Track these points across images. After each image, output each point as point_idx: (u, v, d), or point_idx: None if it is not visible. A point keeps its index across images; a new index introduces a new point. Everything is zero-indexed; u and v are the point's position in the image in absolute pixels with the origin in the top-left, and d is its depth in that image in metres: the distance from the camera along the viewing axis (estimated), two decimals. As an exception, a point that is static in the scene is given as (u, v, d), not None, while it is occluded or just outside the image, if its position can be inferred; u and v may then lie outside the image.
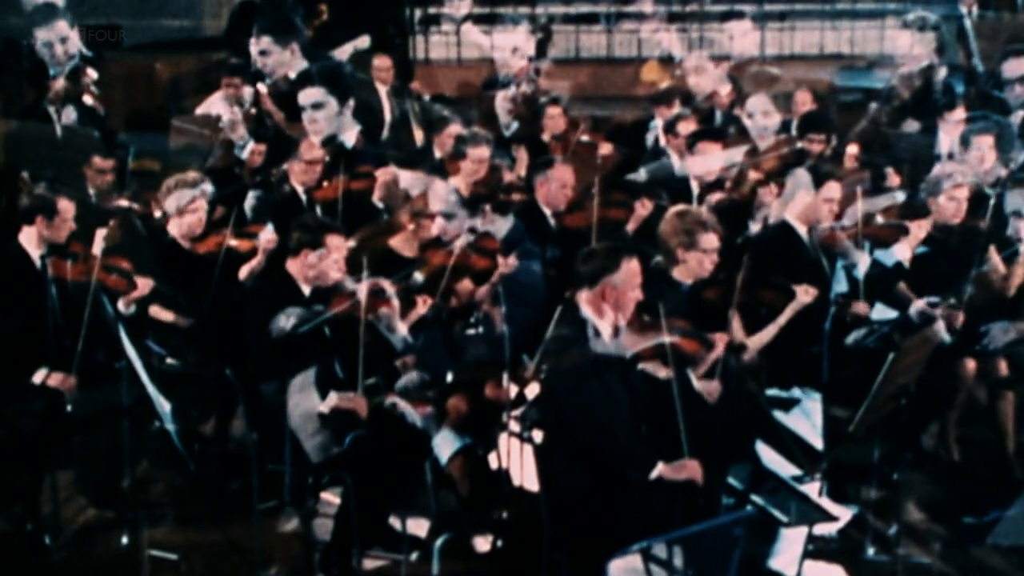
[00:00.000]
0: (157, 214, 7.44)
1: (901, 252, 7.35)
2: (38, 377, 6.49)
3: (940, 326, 6.72)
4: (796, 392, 6.78)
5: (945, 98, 9.42)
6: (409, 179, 7.82)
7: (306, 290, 6.48)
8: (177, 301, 7.03)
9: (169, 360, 6.74)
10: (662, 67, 10.59)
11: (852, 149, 8.82)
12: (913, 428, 6.82)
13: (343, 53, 10.15)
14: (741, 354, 6.48)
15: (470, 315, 7.14)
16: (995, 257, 7.16)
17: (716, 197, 7.94)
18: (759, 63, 10.30)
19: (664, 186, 8.15)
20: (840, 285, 7.24)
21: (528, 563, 5.67)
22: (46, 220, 6.71)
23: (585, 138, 9.08)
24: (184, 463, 6.13)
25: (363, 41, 10.34)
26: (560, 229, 7.75)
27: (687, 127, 8.82)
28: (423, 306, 6.57)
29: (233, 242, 7.19)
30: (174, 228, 7.25)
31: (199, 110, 9.08)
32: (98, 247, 6.88)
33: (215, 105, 9.07)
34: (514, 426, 6.44)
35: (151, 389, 5.89)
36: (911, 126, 9.41)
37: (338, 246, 6.49)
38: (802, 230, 7.23)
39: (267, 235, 7.19)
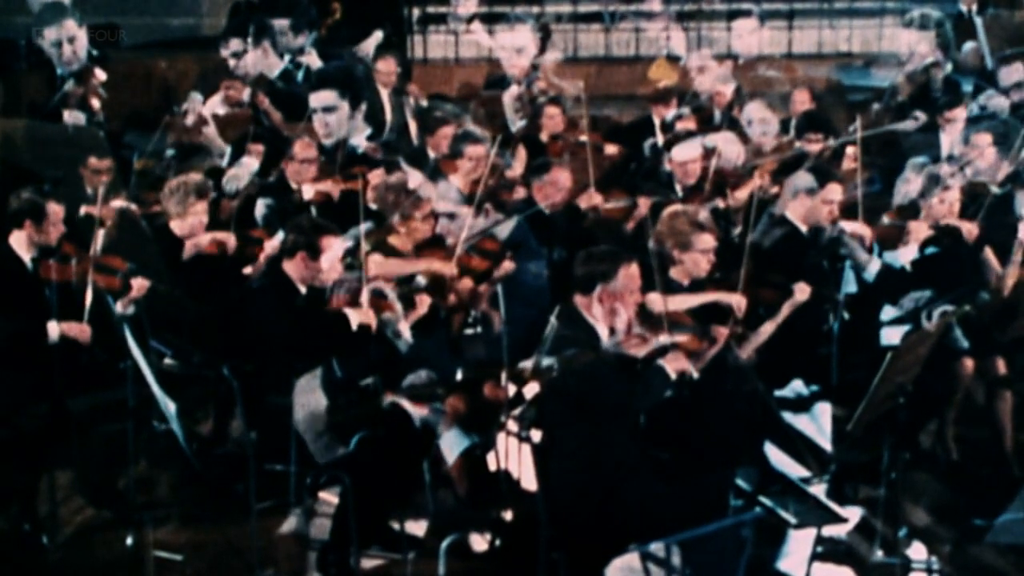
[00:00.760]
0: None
1: (909, 253, 7.35)
2: (53, 332, 6.47)
3: (959, 335, 6.73)
4: (804, 391, 6.79)
5: (948, 96, 9.41)
6: (419, 179, 7.83)
7: (302, 290, 6.50)
8: (180, 300, 7.04)
9: (167, 360, 6.74)
10: (670, 65, 10.59)
11: (850, 150, 8.81)
12: (911, 427, 6.82)
13: (367, 48, 10.16)
14: (740, 345, 6.48)
15: (469, 315, 7.16)
16: (991, 257, 7.17)
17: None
18: (767, 62, 10.30)
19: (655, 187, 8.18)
20: (849, 286, 7.24)
21: (526, 563, 5.67)
22: (35, 224, 6.70)
23: (583, 138, 9.08)
24: (187, 463, 6.16)
25: (378, 37, 10.37)
26: (567, 229, 7.76)
27: (684, 127, 8.83)
28: (423, 307, 6.57)
29: (233, 243, 7.21)
30: (176, 229, 7.26)
31: (204, 110, 9.09)
32: (96, 247, 6.89)
33: (214, 107, 9.08)
34: (512, 426, 6.44)
35: (156, 389, 5.90)
36: (913, 124, 9.39)
37: (334, 247, 6.49)
38: (803, 229, 7.24)
39: (272, 242, 7.20)
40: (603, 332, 5.74)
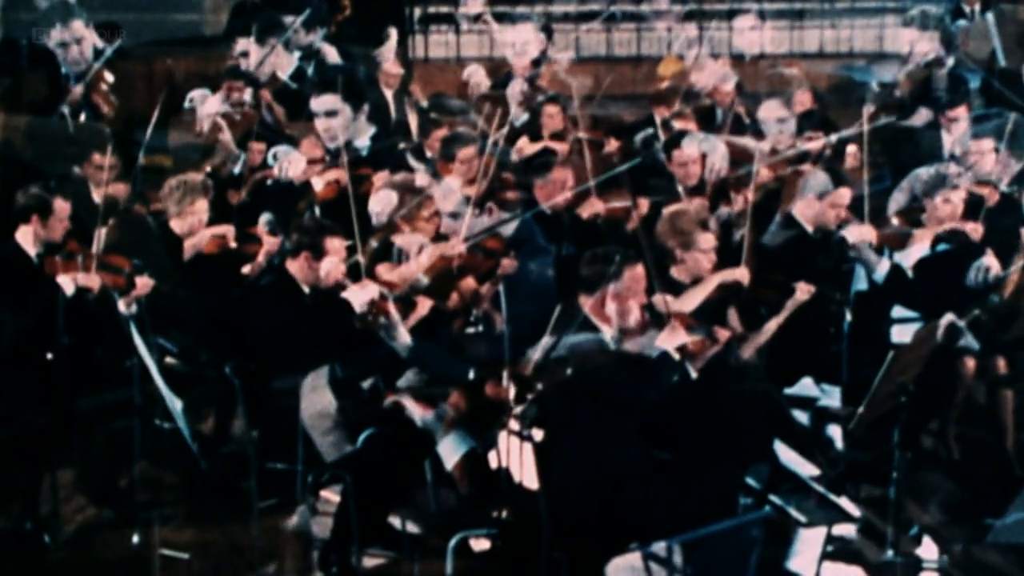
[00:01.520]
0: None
1: (919, 253, 7.34)
2: (68, 287, 6.47)
3: (970, 339, 6.72)
4: (814, 391, 6.79)
5: (950, 94, 9.39)
6: (427, 177, 7.83)
7: (306, 290, 6.50)
8: (183, 300, 7.04)
9: (169, 359, 6.74)
10: (679, 62, 10.59)
11: (852, 148, 8.81)
12: (913, 426, 6.82)
13: (388, 53, 10.15)
14: (742, 346, 6.48)
15: (470, 314, 7.15)
16: (991, 258, 7.16)
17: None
18: (770, 61, 10.30)
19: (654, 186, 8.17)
20: (860, 284, 7.23)
21: (528, 562, 5.67)
22: (41, 219, 6.72)
23: (583, 135, 9.08)
24: (191, 462, 6.17)
25: (394, 38, 10.39)
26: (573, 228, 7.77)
27: (684, 126, 8.83)
28: (423, 308, 6.57)
29: (234, 244, 7.21)
30: (176, 228, 7.27)
31: (200, 110, 9.08)
32: (98, 245, 6.89)
33: (214, 106, 9.08)
34: (514, 425, 6.44)
35: (163, 387, 5.90)
36: (918, 121, 9.34)
37: (337, 248, 6.50)
38: (808, 229, 7.24)
39: (273, 239, 7.20)
40: (607, 334, 5.75)
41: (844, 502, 6.20)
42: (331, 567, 6.09)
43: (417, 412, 6.20)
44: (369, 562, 6.18)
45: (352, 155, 8.15)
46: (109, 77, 8.87)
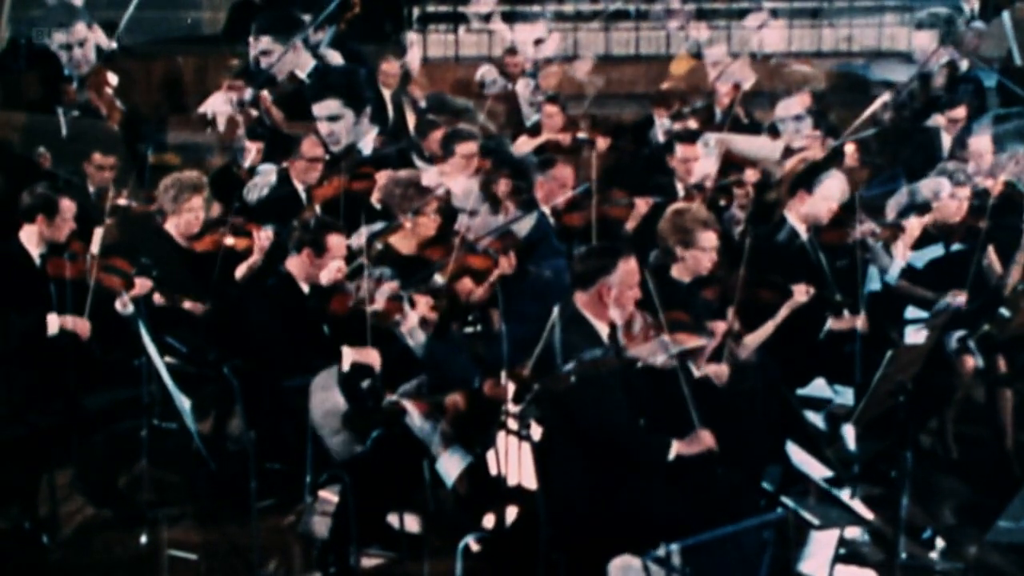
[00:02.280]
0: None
1: (933, 254, 7.33)
2: (53, 326, 6.47)
3: (979, 359, 6.73)
4: (828, 392, 6.78)
5: (970, 95, 9.37)
6: (434, 175, 7.83)
7: (305, 289, 6.50)
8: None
9: (168, 359, 6.74)
10: (691, 60, 10.59)
11: (851, 148, 8.81)
12: (912, 426, 6.81)
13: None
14: (738, 343, 6.48)
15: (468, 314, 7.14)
16: (993, 257, 7.16)
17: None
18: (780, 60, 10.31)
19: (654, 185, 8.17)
20: (874, 284, 7.22)
21: (526, 563, 5.66)
22: (47, 219, 6.72)
23: (582, 135, 9.09)
24: (192, 461, 6.15)
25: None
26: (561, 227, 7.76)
27: (683, 126, 8.83)
28: (422, 308, 6.56)
29: (230, 240, 7.20)
30: (171, 226, 7.26)
31: (201, 109, 9.09)
32: (95, 245, 6.89)
33: (215, 104, 9.07)
34: (512, 424, 6.43)
35: (171, 387, 5.89)
36: (933, 123, 9.30)
37: (339, 246, 6.50)
38: (801, 229, 7.23)
39: (265, 233, 7.20)
40: (603, 331, 5.74)
41: (857, 504, 6.18)
42: (330, 567, 6.08)
43: (416, 415, 6.19)
44: (368, 562, 6.17)
45: (355, 158, 8.17)
46: (113, 79, 8.86)
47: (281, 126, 8.88)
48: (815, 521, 5.75)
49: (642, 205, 7.77)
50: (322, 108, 8.35)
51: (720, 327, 6.06)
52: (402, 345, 6.50)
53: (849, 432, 6.60)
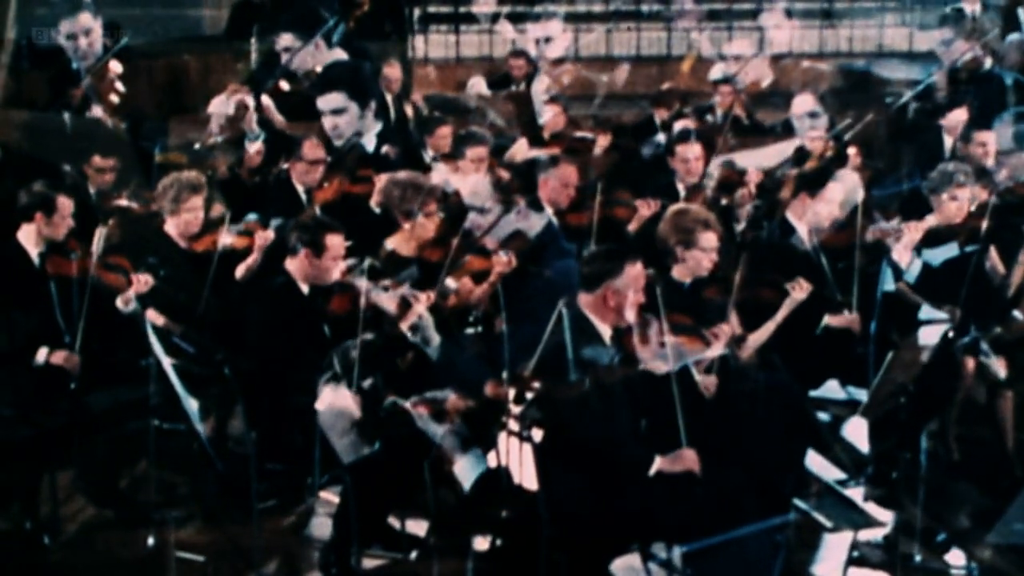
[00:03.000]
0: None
1: (948, 254, 7.32)
2: (40, 356, 6.48)
3: (992, 360, 6.71)
4: (841, 394, 6.77)
5: (993, 93, 9.35)
6: (444, 174, 7.83)
7: (305, 289, 6.50)
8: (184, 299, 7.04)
9: (167, 359, 6.74)
10: (701, 60, 10.61)
11: (853, 148, 8.80)
12: (912, 426, 6.81)
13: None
14: (741, 345, 6.47)
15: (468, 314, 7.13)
16: (995, 257, 7.15)
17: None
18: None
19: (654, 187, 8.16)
20: (888, 285, 7.20)
21: (528, 563, 5.66)
22: (45, 217, 6.72)
23: (580, 134, 9.09)
24: (195, 462, 6.15)
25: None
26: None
27: (683, 126, 8.83)
28: (419, 308, 6.56)
29: (229, 240, 7.19)
30: (171, 227, 7.26)
31: (209, 109, 9.09)
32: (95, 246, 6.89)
33: (220, 105, 9.07)
34: (513, 425, 6.43)
35: (179, 388, 5.89)
36: (952, 121, 9.25)
37: (337, 245, 6.50)
38: (802, 230, 7.23)
39: (264, 233, 7.19)
40: (606, 333, 5.75)
41: (870, 507, 6.17)
42: (330, 567, 6.08)
43: (433, 428, 6.19)
44: (369, 562, 6.17)
45: (358, 154, 8.16)
46: (117, 68, 8.86)
47: (284, 128, 8.88)
48: (827, 524, 5.74)
49: (645, 207, 7.76)
50: (327, 101, 8.36)
51: (722, 332, 6.05)
52: (411, 347, 6.50)
53: (860, 433, 6.59)
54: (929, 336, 6.59)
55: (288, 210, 7.60)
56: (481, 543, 6.30)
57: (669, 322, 5.71)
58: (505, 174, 8.18)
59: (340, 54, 9.71)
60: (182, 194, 7.21)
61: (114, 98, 8.77)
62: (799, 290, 6.71)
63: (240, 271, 7.17)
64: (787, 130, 9.21)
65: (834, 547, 5.97)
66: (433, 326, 6.41)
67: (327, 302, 6.44)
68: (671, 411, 5.56)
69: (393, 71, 9.99)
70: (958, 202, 7.45)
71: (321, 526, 6.31)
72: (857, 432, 6.71)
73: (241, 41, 10.07)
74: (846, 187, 7.38)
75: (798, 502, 5.86)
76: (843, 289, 7.10)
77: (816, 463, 6.18)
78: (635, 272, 5.75)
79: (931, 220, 7.40)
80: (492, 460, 6.53)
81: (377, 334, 6.31)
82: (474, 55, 12.02)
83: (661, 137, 9.28)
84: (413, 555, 6.24)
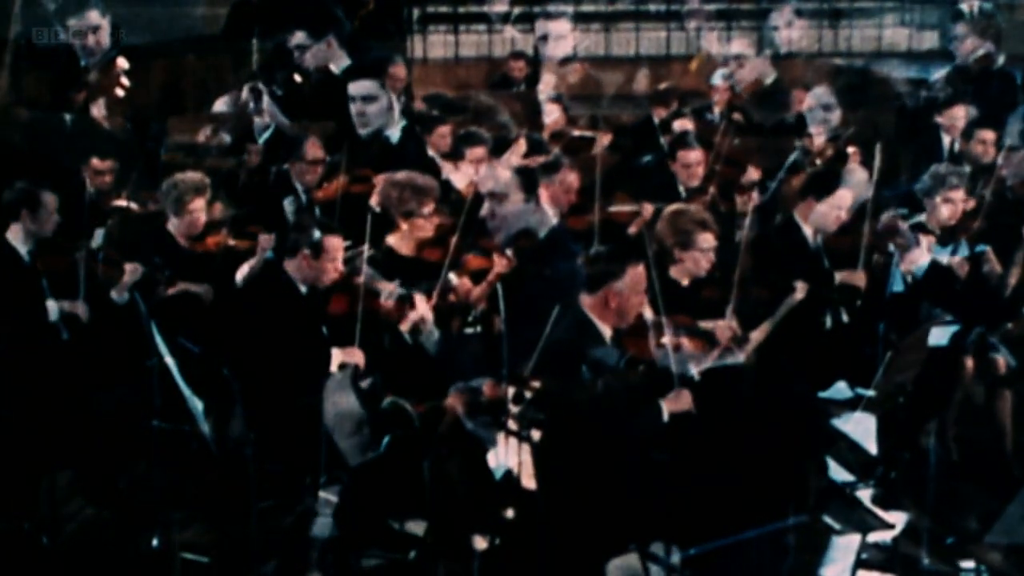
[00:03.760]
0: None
1: (962, 250, 7.31)
2: (52, 312, 6.47)
3: (1004, 352, 6.71)
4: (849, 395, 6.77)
5: (1004, 91, 9.34)
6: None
7: (303, 290, 6.51)
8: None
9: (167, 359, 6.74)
10: (710, 59, 10.61)
11: (852, 148, 8.80)
12: (911, 427, 6.82)
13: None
14: (741, 346, 6.48)
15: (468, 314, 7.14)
16: (992, 257, 7.15)
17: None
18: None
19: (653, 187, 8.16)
20: (896, 285, 7.21)
21: (526, 563, 5.67)
22: (30, 213, 6.74)
23: (578, 133, 9.08)
24: (195, 463, 6.16)
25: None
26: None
27: (682, 126, 8.83)
28: (421, 307, 6.57)
29: (232, 242, 7.21)
30: (173, 228, 7.28)
31: (215, 108, 9.11)
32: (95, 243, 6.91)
33: (224, 105, 9.10)
34: (512, 425, 6.43)
35: (184, 388, 5.90)
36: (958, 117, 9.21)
37: (336, 247, 6.51)
38: (808, 231, 7.23)
39: (267, 236, 7.21)
40: (607, 333, 5.76)
41: (879, 509, 6.17)
42: (330, 567, 6.09)
43: (414, 412, 6.19)
44: (368, 563, 6.17)
45: (382, 144, 8.19)
46: (124, 63, 8.87)
47: (285, 128, 8.89)
48: (836, 526, 5.74)
49: (646, 209, 7.77)
50: (359, 87, 8.44)
51: (725, 335, 6.06)
52: (407, 346, 6.51)
53: (869, 435, 6.58)
54: (939, 337, 6.62)
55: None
56: (480, 543, 6.31)
57: (669, 323, 5.74)
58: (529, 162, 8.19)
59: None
60: (185, 195, 7.23)
61: (120, 93, 8.79)
62: (798, 291, 6.72)
63: (241, 273, 7.18)
64: (788, 130, 9.22)
65: (843, 550, 5.97)
66: (431, 321, 6.41)
67: (326, 303, 6.46)
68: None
69: (399, 70, 10.01)
70: (951, 205, 7.44)
71: (321, 526, 6.31)
72: (865, 433, 6.69)
73: (241, 41, 10.07)
74: (855, 190, 7.37)
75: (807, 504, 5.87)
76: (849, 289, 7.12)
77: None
78: (637, 275, 5.77)
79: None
80: (492, 461, 6.57)
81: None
82: (473, 55, 12.02)
83: (663, 140, 9.28)
84: (413, 555, 6.24)
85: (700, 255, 6.59)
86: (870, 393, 6.45)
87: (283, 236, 6.73)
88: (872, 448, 6.40)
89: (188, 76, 10.33)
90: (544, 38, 10.18)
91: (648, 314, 5.92)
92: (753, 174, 8.36)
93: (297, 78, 9.08)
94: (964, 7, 10.87)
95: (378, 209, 7.48)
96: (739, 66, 9.75)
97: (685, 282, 6.62)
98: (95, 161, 7.96)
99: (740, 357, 6.48)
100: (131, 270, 6.78)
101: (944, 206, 7.44)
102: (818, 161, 8.53)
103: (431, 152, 8.65)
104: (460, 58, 12.28)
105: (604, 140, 9.20)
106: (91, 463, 6.71)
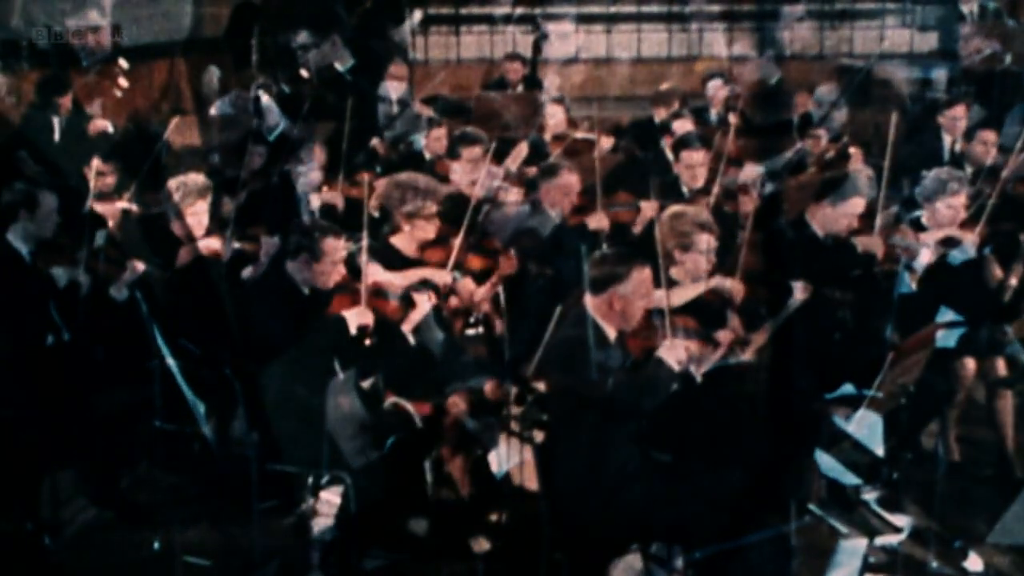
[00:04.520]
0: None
1: (965, 255, 7.32)
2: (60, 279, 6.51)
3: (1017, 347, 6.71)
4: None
5: (951, 94, 9.35)
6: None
7: (305, 291, 6.52)
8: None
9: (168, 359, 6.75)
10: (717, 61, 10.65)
11: (854, 150, 8.81)
12: (913, 428, 6.82)
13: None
14: (742, 348, 6.49)
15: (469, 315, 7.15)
16: (992, 261, 7.16)
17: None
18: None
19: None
20: (905, 287, 7.21)
21: (528, 563, 5.67)
22: (29, 214, 6.75)
23: (580, 135, 9.10)
24: (195, 464, 6.16)
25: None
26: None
27: (682, 127, 8.84)
28: (423, 307, 6.57)
29: (237, 245, 7.22)
30: (176, 229, 7.28)
31: (212, 111, 9.13)
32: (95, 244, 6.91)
33: (222, 108, 9.10)
34: (514, 426, 6.43)
35: (186, 390, 5.91)
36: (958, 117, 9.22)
37: (336, 249, 6.51)
38: (818, 232, 7.23)
39: (270, 240, 7.22)
40: (611, 334, 5.77)
41: (886, 512, 6.18)
42: (330, 567, 6.09)
43: (414, 412, 6.20)
44: (370, 563, 6.18)
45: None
46: (124, 63, 8.89)
47: (286, 129, 8.91)
48: (843, 529, 5.74)
49: (648, 209, 7.78)
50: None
51: (726, 336, 6.06)
52: (409, 346, 6.52)
53: (875, 436, 6.58)
54: (946, 339, 6.61)
55: (288, 213, 7.63)
56: (481, 544, 6.32)
57: (673, 326, 5.74)
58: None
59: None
60: (188, 197, 7.24)
61: (118, 94, 8.82)
62: (802, 292, 6.72)
63: (246, 275, 7.20)
64: (790, 130, 9.24)
65: (849, 554, 5.96)
66: (435, 325, 6.43)
67: (327, 305, 6.46)
68: (680, 417, 5.59)
69: (398, 69, 10.02)
70: (952, 210, 7.44)
71: (322, 527, 6.31)
72: (871, 434, 6.69)
73: (243, 41, 10.10)
74: (866, 194, 7.37)
75: (812, 507, 5.87)
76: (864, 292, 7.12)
77: (829, 466, 6.17)
78: (642, 277, 5.77)
79: (948, 230, 7.39)
80: (494, 461, 6.58)
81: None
82: (474, 56, 12.03)
83: (666, 142, 9.30)
84: (413, 555, 6.25)
85: (700, 256, 6.59)
86: (873, 394, 6.47)
87: (285, 238, 6.73)
88: (878, 449, 6.41)
89: (189, 76, 10.35)
90: (546, 39, 10.21)
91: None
92: (753, 173, 8.37)
93: (304, 73, 9.09)
94: (965, 8, 10.91)
95: (376, 213, 7.49)
96: (740, 67, 9.78)
97: (685, 284, 6.62)
98: (97, 162, 7.97)
99: (742, 359, 6.49)
100: (133, 268, 6.79)
101: (945, 211, 7.44)
102: (825, 158, 8.54)
103: (427, 155, 8.68)
104: (461, 59, 12.30)
105: (605, 144, 9.21)
106: (93, 463, 6.70)
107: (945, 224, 7.41)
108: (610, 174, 8.44)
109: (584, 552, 5.50)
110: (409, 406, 6.26)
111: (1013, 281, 7.08)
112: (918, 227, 7.48)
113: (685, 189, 8.18)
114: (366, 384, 6.43)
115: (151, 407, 6.22)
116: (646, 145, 9.51)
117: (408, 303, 6.55)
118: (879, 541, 6.02)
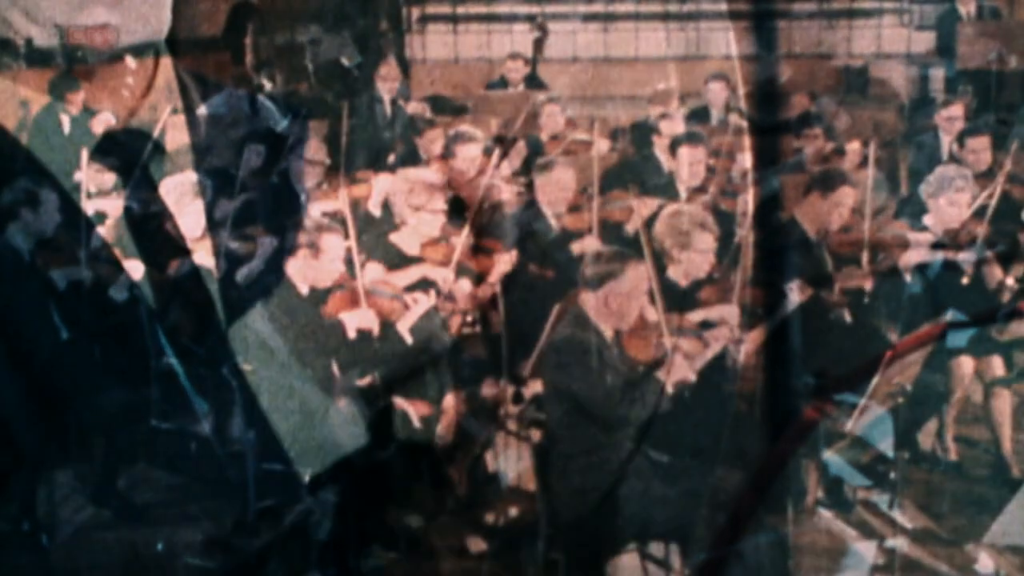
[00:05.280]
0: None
1: (970, 256, 7.32)
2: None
3: None
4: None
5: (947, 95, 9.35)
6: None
7: (304, 290, 6.52)
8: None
9: (167, 359, 6.76)
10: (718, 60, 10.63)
11: (854, 145, 8.80)
12: (910, 427, 6.83)
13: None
14: (739, 346, 6.49)
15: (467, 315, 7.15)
16: (993, 261, 7.16)
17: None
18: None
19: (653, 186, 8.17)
20: (913, 287, 7.21)
21: (525, 563, 5.68)
22: (31, 212, 6.75)
23: (578, 136, 9.09)
24: (193, 464, 6.17)
25: None
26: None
27: (670, 128, 8.85)
28: (423, 306, 6.58)
29: (234, 245, 7.21)
30: (173, 228, 7.28)
31: (211, 107, 9.10)
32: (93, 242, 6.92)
33: (219, 107, 9.08)
34: (512, 425, 6.45)
35: (189, 390, 5.91)
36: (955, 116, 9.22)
37: (335, 247, 6.51)
38: (810, 230, 7.23)
39: (269, 239, 7.22)
40: (608, 333, 5.77)
41: (895, 513, 6.19)
42: (330, 567, 6.09)
43: (414, 412, 6.21)
44: (367, 563, 6.18)
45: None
46: (132, 63, 8.88)
47: (283, 128, 8.89)
48: (849, 530, 5.74)
49: (643, 207, 7.78)
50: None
51: (722, 336, 6.07)
52: (406, 346, 6.52)
53: (885, 437, 6.59)
54: (957, 339, 6.62)
55: (288, 212, 7.62)
56: (478, 543, 6.32)
57: (668, 326, 5.75)
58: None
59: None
60: (185, 197, 7.24)
61: (125, 93, 8.81)
62: (800, 293, 6.73)
63: (241, 274, 7.19)
64: (788, 130, 9.22)
65: (857, 556, 5.98)
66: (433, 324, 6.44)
67: (325, 303, 6.46)
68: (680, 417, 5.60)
69: (389, 69, 10.00)
70: (956, 208, 7.44)
71: (321, 526, 6.32)
72: (875, 434, 6.71)
73: (242, 38, 10.08)
74: (858, 189, 7.38)
75: (821, 508, 5.88)
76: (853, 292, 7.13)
77: (838, 467, 6.19)
78: (638, 275, 5.78)
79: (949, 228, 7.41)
80: (491, 461, 6.59)
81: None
82: (473, 56, 12.00)
83: (663, 140, 9.29)
84: (411, 555, 6.25)
85: (699, 256, 6.59)
86: (871, 394, 6.48)
87: (283, 237, 6.73)
88: (886, 450, 6.43)
89: (186, 75, 10.33)
90: (546, 38, 10.20)
91: (651, 314, 5.94)
92: (750, 171, 8.37)
93: (310, 66, 9.10)
94: (961, 9, 10.90)
95: (377, 212, 7.49)
96: (740, 67, 9.76)
97: (684, 283, 6.63)
98: (97, 162, 7.97)
99: (738, 358, 6.50)
100: (132, 269, 6.79)
101: (949, 208, 7.44)
102: (822, 156, 8.54)
103: (423, 155, 8.67)
104: (460, 59, 12.27)
105: (602, 144, 9.21)
106: (91, 462, 6.71)
107: (948, 221, 7.42)
108: (605, 174, 8.44)
109: (581, 551, 5.50)
110: (407, 405, 6.26)
111: (1011, 281, 7.09)
112: (917, 226, 7.49)
113: (682, 187, 8.18)
114: (364, 384, 6.43)
115: (148, 406, 6.22)
116: (642, 145, 9.50)
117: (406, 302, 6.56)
118: (889, 543, 6.03)
